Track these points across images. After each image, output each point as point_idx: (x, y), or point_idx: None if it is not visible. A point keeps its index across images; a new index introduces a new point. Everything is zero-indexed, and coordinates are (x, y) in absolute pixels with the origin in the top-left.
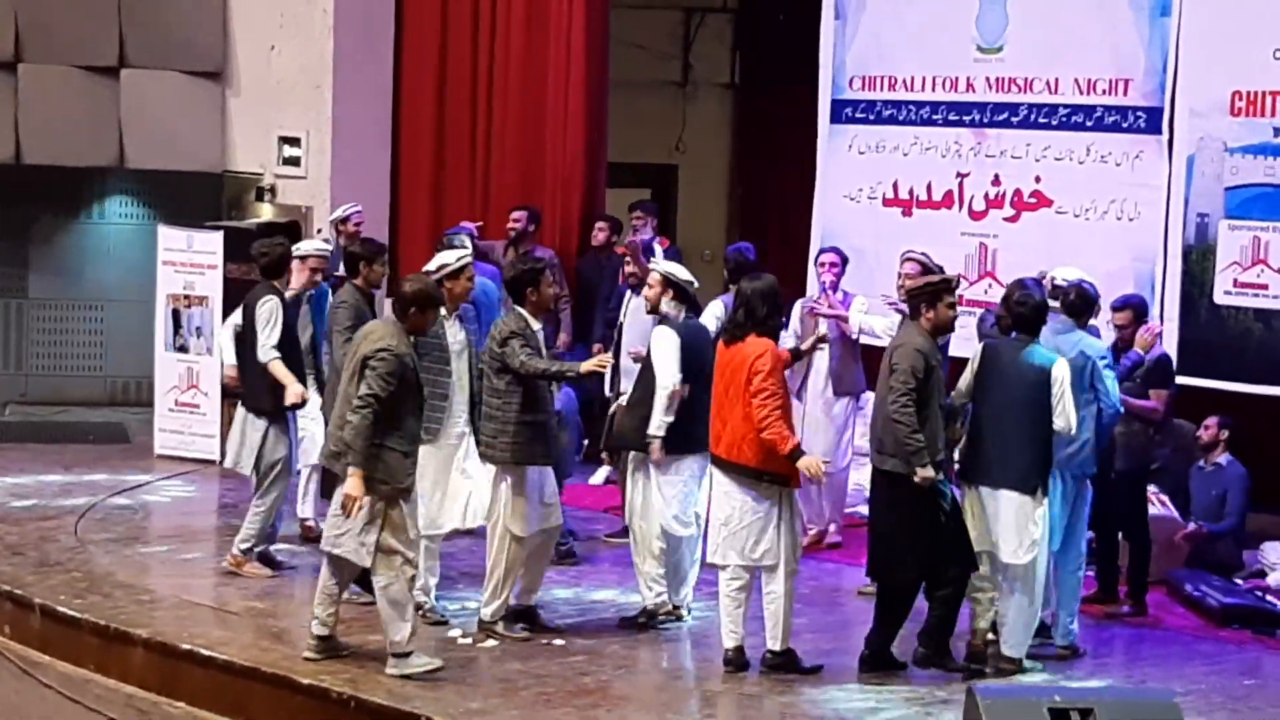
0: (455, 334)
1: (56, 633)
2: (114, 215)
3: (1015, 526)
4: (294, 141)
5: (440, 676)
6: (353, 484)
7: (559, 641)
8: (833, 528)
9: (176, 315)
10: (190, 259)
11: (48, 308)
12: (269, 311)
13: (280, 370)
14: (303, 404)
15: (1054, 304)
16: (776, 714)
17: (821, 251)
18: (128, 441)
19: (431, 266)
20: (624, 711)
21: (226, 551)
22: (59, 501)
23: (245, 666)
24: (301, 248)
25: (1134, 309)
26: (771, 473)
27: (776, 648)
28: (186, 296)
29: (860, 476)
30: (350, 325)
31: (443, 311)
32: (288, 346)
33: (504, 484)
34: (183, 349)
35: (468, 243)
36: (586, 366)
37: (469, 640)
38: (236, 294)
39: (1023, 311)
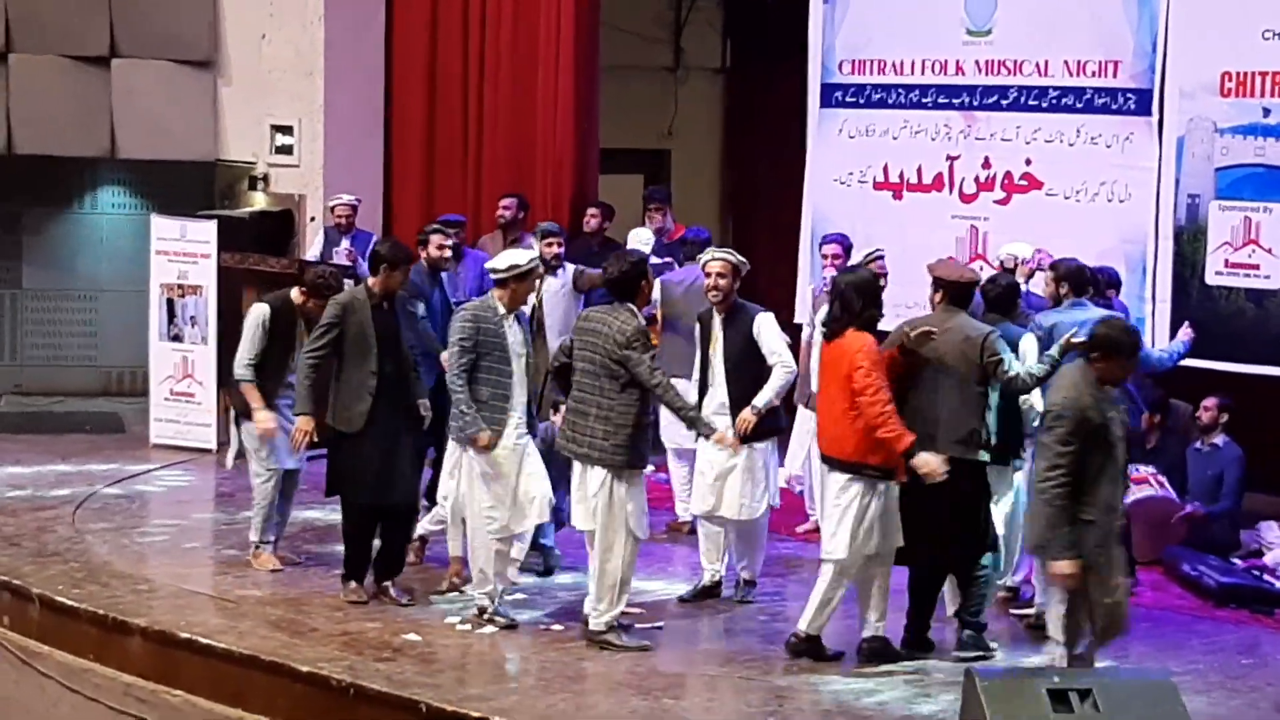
0: (516, 334)
1: (55, 623)
2: (106, 205)
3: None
4: (286, 130)
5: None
6: (1062, 568)
7: (557, 626)
8: None
9: (170, 305)
10: (184, 248)
11: (41, 299)
12: (251, 322)
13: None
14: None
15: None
16: (773, 697)
17: (825, 241)
18: (123, 431)
19: (501, 265)
20: (622, 696)
21: (224, 540)
22: (55, 492)
23: (244, 655)
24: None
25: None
26: (874, 466)
27: (803, 630)
28: (180, 286)
29: None
30: (325, 327)
31: (502, 311)
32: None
33: (622, 488)
34: (177, 338)
35: (535, 245)
36: (720, 439)
37: (467, 626)
38: (230, 283)
39: (989, 290)
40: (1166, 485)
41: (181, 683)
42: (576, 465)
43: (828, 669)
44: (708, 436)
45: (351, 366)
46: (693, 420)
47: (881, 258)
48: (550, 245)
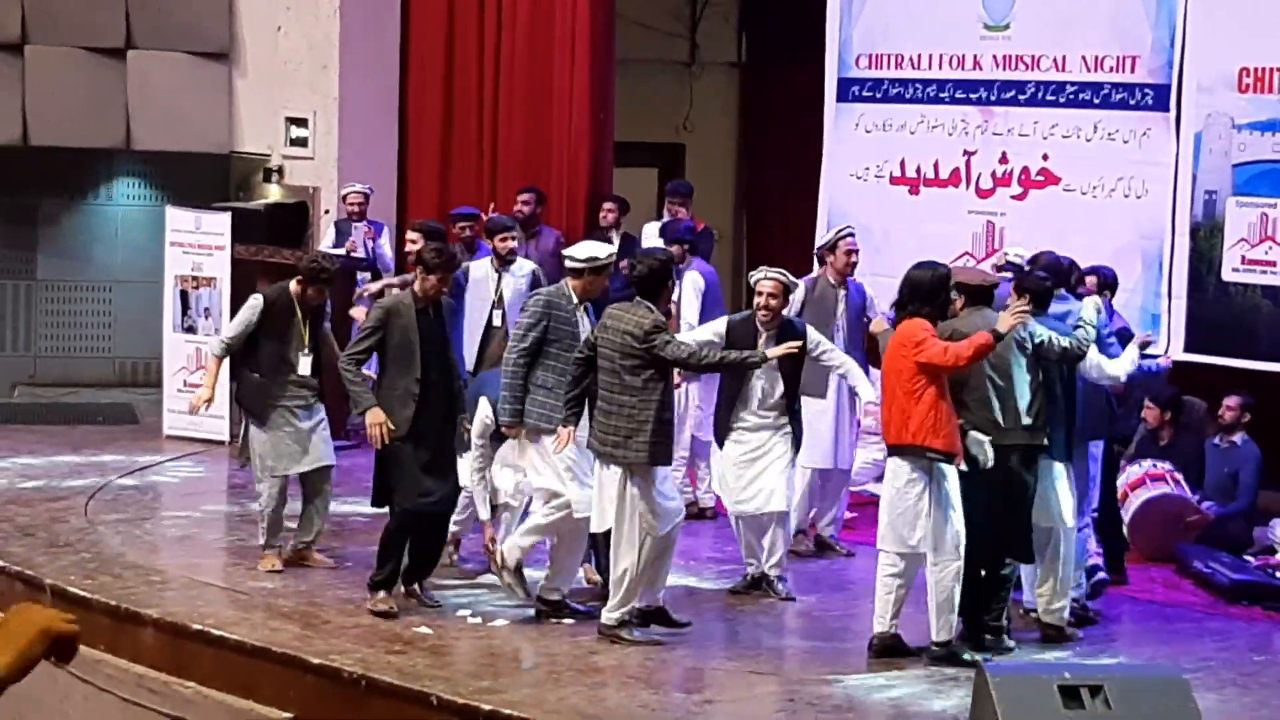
0: (586, 325)
1: (67, 613)
2: (121, 197)
3: (1062, 492)
4: (301, 122)
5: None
6: None
7: (568, 620)
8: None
9: (184, 296)
10: (198, 240)
11: (56, 289)
12: (243, 308)
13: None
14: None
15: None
16: (782, 693)
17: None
18: (136, 422)
19: (579, 255)
20: (633, 690)
21: (236, 532)
22: (69, 482)
23: (256, 646)
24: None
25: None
26: (936, 449)
27: (938, 638)
28: (194, 277)
29: (866, 454)
30: (368, 330)
31: (575, 300)
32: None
33: (637, 486)
34: (191, 330)
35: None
36: (776, 352)
37: (478, 620)
38: (244, 275)
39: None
40: (1182, 483)
41: (194, 674)
42: (596, 465)
43: (837, 665)
44: (766, 359)
45: (395, 372)
46: (743, 361)
47: (852, 235)
48: (504, 240)
